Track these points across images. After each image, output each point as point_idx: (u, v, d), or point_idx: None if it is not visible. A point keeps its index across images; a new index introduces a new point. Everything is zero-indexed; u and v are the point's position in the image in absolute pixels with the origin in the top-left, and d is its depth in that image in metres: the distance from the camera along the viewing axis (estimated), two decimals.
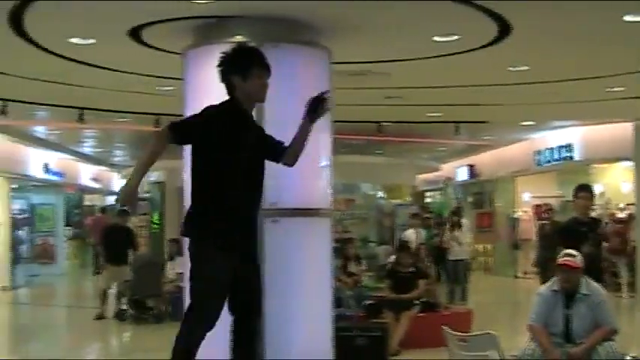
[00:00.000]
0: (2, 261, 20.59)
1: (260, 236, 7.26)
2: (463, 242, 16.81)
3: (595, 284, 7.43)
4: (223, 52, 5.55)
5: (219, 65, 5.53)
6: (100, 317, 14.39)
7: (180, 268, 14.16)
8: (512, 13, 8.19)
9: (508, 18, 8.36)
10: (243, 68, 5.40)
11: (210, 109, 5.40)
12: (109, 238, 15.26)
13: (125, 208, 13.91)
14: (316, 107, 5.62)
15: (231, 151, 5.29)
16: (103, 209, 27.12)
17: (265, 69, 5.50)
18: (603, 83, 12.28)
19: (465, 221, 20.72)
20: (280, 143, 5.77)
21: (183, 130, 5.32)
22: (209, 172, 5.34)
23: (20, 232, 23.82)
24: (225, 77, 5.49)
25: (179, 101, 8.19)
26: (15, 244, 22.22)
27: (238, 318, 5.51)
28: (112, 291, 14.93)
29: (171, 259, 14.72)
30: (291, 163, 5.86)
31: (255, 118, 5.81)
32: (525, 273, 22.30)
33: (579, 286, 7.20)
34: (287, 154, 5.75)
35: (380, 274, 13.57)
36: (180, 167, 8.02)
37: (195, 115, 5.44)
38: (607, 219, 18.31)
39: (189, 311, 5.39)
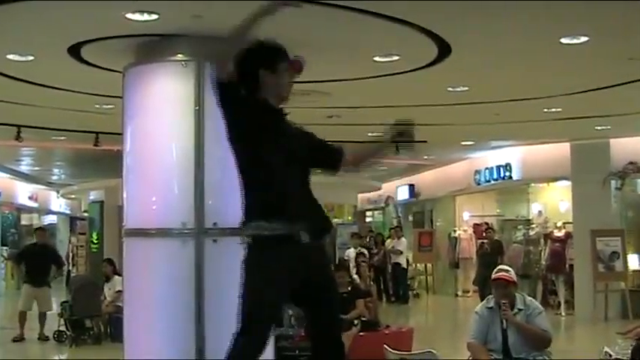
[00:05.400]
0: None
1: (200, 255, 7.24)
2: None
3: (530, 298, 7.55)
4: (246, 47, 5.10)
5: (242, 60, 5.04)
6: (18, 339, 14.16)
7: (119, 286, 14.05)
8: (451, 34, 8.28)
9: (447, 39, 8.44)
10: (272, 62, 5.08)
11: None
12: (28, 258, 14.91)
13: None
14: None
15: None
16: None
17: (288, 62, 5.25)
18: (541, 104, 12.45)
19: (403, 240, 21.16)
20: (330, 152, 5.23)
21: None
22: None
23: None
24: (251, 71, 5.00)
25: (118, 119, 8.12)
26: None
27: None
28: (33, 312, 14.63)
29: (107, 280, 14.51)
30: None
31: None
32: (465, 292, 22.48)
33: (515, 302, 7.30)
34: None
35: None
36: (120, 186, 7.94)
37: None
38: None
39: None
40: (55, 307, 15.01)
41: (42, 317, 14.42)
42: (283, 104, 5.10)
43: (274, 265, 4.68)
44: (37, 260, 14.58)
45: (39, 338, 14.22)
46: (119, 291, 13.96)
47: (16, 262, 15.16)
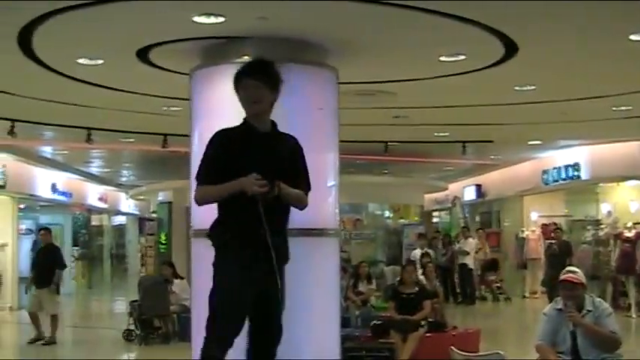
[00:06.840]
0: (9, 281, 20.61)
1: None
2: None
3: (599, 299, 7.44)
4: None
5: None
6: (35, 340, 13.83)
7: (176, 288, 14.19)
8: (518, 32, 8.21)
9: (514, 38, 8.38)
10: (234, 82, 5.18)
11: (220, 133, 5.23)
12: (37, 260, 14.67)
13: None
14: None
15: (237, 163, 5.03)
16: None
17: (249, 77, 5.12)
18: (610, 102, 12.29)
19: (471, 240, 21.07)
20: (300, 182, 5.25)
21: (208, 177, 5.12)
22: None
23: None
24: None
25: (186, 121, 8.21)
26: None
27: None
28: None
29: (167, 282, 14.59)
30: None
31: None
32: (533, 293, 22.25)
33: (584, 303, 7.20)
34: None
35: (387, 294, 13.56)
36: (187, 187, 8.01)
37: (206, 151, 5.17)
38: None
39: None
40: (125, 307, 15.16)
41: (52, 320, 14.06)
42: (258, 116, 5.20)
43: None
44: (41, 261, 14.41)
45: (43, 343, 13.82)
46: (174, 292, 14.18)
47: (32, 267, 14.93)
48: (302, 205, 5.28)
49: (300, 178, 5.24)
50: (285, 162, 5.18)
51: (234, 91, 5.18)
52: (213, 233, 5.28)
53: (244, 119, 5.21)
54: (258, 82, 5.10)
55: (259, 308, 5.10)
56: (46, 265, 14.20)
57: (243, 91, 5.14)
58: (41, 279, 14.11)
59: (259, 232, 4.94)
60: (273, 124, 5.27)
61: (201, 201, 5.31)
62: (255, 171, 4.91)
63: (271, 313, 5.15)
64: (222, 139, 5.18)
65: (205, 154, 5.17)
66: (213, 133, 5.24)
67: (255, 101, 5.12)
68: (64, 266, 14.77)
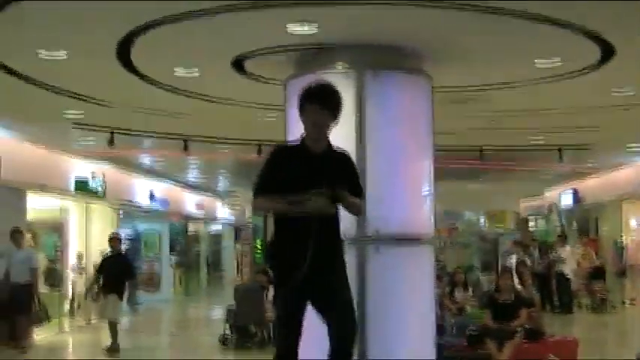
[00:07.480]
0: None
1: (362, 263, 7.31)
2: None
3: None
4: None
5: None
6: (110, 349, 13.57)
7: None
8: (615, 35, 8.07)
9: (612, 41, 8.24)
10: (299, 105, 5.36)
11: (277, 148, 5.53)
12: (105, 268, 14.23)
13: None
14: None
15: (289, 184, 5.24)
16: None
17: (315, 103, 5.27)
18: None
19: (568, 248, 20.75)
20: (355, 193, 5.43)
21: (263, 190, 5.37)
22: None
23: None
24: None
25: (280, 129, 8.28)
26: None
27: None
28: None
29: (262, 288, 14.60)
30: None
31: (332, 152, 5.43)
32: (633, 300, 21.76)
33: None
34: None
35: (482, 302, 13.44)
36: None
37: (264, 165, 5.42)
38: None
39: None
40: (221, 313, 15.32)
41: (111, 327, 13.87)
42: (320, 141, 5.34)
43: None
44: (109, 269, 14.08)
45: (106, 349, 13.65)
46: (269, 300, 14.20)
47: (98, 273, 14.76)
48: (357, 210, 5.47)
49: (354, 190, 5.39)
50: (336, 180, 5.28)
51: (299, 109, 5.32)
52: (266, 254, 5.60)
53: (302, 138, 5.37)
54: (321, 107, 5.26)
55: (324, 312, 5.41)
56: (112, 273, 13.95)
57: (305, 115, 5.30)
58: (107, 286, 13.92)
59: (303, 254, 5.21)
60: (329, 143, 5.39)
61: (257, 211, 5.86)
62: (306, 189, 5.13)
63: (336, 317, 5.39)
64: (277, 155, 5.42)
65: (263, 168, 5.38)
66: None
67: (316, 126, 5.29)
68: (134, 277, 14.66)
